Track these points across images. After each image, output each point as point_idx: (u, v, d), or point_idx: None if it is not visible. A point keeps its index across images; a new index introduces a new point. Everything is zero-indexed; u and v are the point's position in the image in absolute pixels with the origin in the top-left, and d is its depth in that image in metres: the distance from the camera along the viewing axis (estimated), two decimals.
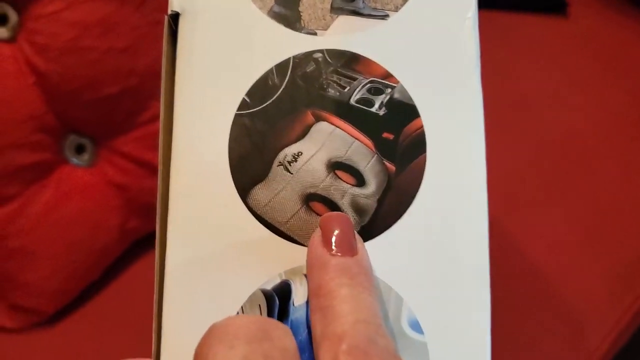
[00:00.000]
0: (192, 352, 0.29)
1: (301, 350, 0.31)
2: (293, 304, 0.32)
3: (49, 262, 0.75)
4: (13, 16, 0.68)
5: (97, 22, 0.69)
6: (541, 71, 0.89)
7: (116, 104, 0.73)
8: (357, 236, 0.32)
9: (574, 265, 0.77)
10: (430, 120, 0.33)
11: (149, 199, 0.78)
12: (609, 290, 0.75)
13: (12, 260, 0.74)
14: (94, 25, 0.69)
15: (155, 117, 0.75)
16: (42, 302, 0.76)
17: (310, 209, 0.33)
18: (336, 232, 0.31)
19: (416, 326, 0.32)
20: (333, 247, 0.31)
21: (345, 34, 0.34)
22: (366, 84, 0.34)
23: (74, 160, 0.76)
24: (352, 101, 0.34)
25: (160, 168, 0.34)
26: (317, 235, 0.31)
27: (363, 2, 0.34)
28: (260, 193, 0.33)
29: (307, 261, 0.31)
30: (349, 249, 0.31)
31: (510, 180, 0.81)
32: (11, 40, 0.69)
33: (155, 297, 0.33)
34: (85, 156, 0.76)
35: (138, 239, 0.81)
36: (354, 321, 0.28)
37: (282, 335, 0.27)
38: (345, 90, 0.34)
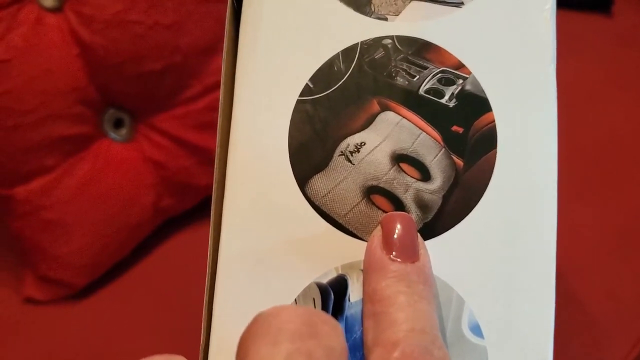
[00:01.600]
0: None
1: (354, 348, 0.30)
2: (349, 300, 0.31)
3: (82, 235, 0.75)
4: None
5: None
6: (582, 69, 0.87)
7: (158, 81, 0.73)
8: (420, 240, 0.31)
9: (602, 268, 0.75)
10: (503, 115, 0.32)
11: (184, 178, 0.77)
12: (638, 296, 0.73)
13: (45, 232, 0.74)
14: None
15: (197, 96, 0.75)
16: (72, 275, 0.76)
17: (371, 202, 0.32)
18: (398, 235, 0.30)
19: (477, 330, 0.31)
20: (393, 252, 0.29)
21: (417, 21, 0.33)
22: (437, 73, 0.32)
23: (112, 134, 0.76)
24: (422, 91, 0.32)
25: (217, 151, 0.33)
26: (377, 235, 0.30)
27: None
28: (319, 183, 0.32)
29: (365, 262, 0.30)
30: (410, 255, 0.29)
31: None
32: (57, 9, 0.68)
33: (207, 284, 0.32)
34: (123, 131, 0.76)
35: (171, 218, 0.81)
36: (409, 329, 0.27)
37: (329, 332, 0.26)
38: (415, 79, 0.32)
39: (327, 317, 0.26)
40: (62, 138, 0.71)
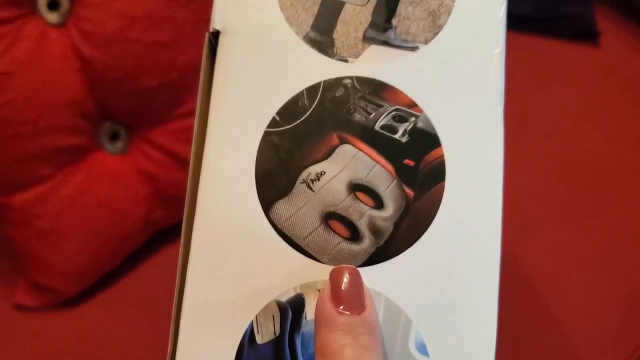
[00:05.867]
0: (206, 355, 0.31)
1: None
2: (306, 318, 0.34)
3: (74, 244, 0.76)
4: (65, 2, 0.70)
5: (144, 15, 0.71)
6: (568, 95, 0.90)
7: (154, 96, 0.75)
8: (367, 290, 0.33)
9: (588, 289, 0.77)
10: (451, 150, 0.34)
11: (176, 191, 0.79)
12: (623, 317, 0.75)
13: (38, 240, 0.76)
14: (141, 17, 0.70)
15: (191, 112, 0.76)
16: (63, 282, 0.77)
17: (329, 227, 0.34)
18: (345, 287, 0.32)
19: (423, 348, 0.33)
20: (341, 305, 0.32)
21: (375, 63, 0.35)
22: (391, 111, 0.35)
23: (108, 147, 0.78)
24: (377, 127, 0.35)
25: (189, 176, 0.35)
26: (326, 289, 0.32)
27: (394, 33, 0.36)
28: (282, 208, 0.35)
29: (315, 315, 0.32)
30: (356, 306, 0.32)
31: (529, 200, 0.81)
32: (61, 25, 0.70)
33: (175, 299, 0.35)
34: (119, 144, 0.78)
35: (161, 230, 0.82)
36: None
37: None
38: (371, 116, 0.35)
39: None
40: (59, 149, 0.73)
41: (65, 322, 0.78)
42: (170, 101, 0.76)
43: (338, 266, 0.33)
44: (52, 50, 0.70)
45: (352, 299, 0.32)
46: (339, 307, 0.31)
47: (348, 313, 0.31)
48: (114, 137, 0.78)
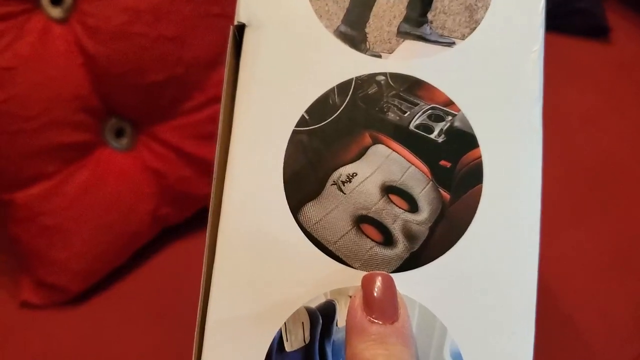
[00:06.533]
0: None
1: None
2: (336, 325, 0.32)
3: (79, 241, 0.76)
4: None
5: (149, 9, 0.69)
6: (579, 94, 0.89)
7: (160, 92, 0.74)
8: (400, 299, 0.31)
9: (598, 289, 0.76)
10: (489, 151, 0.33)
11: (183, 188, 0.78)
12: (634, 317, 0.74)
13: (43, 237, 0.75)
14: (146, 12, 0.69)
15: (198, 107, 0.76)
16: (68, 280, 0.77)
17: (360, 230, 0.33)
18: (377, 295, 0.31)
19: (458, 357, 0.32)
20: (373, 313, 0.30)
21: (410, 59, 0.34)
22: (427, 110, 0.34)
23: (113, 143, 0.76)
24: (412, 126, 0.34)
25: (214, 176, 0.34)
26: (358, 296, 0.31)
27: (430, 28, 0.34)
28: (311, 210, 0.33)
29: (347, 324, 0.31)
30: (389, 316, 0.30)
31: (542, 199, 0.80)
32: (64, 20, 0.69)
33: (200, 304, 0.33)
34: (125, 140, 0.77)
35: (168, 227, 0.81)
36: None
37: None
38: (406, 114, 0.34)
39: None
40: (63, 145, 0.72)
41: (71, 320, 0.77)
42: (176, 97, 0.75)
43: (370, 272, 0.32)
44: (56, 45, 0.69)
45: (385, 307, 0.31)
46: (371, 316, 0.30)
47: (380, 322, 0.30)
48: (119, 133, 0.77)
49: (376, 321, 0.30)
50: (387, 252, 0.33)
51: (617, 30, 0.94)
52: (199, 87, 0.75)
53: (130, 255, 0.79)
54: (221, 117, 0.34)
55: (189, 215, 0.81)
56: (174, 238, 0.82)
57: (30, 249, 0.76)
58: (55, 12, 0.69)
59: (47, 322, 0.77)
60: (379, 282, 0.31)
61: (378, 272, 0.32)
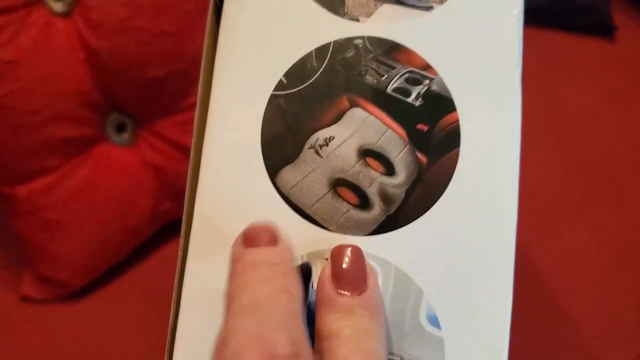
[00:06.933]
0: (208, 328, 0.30)
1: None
2: (312, 287, 0.32)
3: (80, 236, 0.76)
4: None
5: (150, 4, 0.70)
6: (582, 90, 0.88)
7: (161, 87, 0.74)
8: (370, 269, 0.31)
9: (600, 286, 0.76)
10: (467, 115, 0.33)
11: (183, 183, 0.78)
12: (635, 315, 0.74)
13: (44, 232, 0.75)
14: (148, 6, 0.70)
15: None
16: (69, 275, 0.77)
17: (337, 194, 0.33)
18: (346, 267, 0.31)
19: (434, 320, 0.32)
20: (341, 285, 0.30)
21: (388, 23, 0.34)
22: (404, 73, 0.34)
23: (114, 138, 0.77)
24: (389, 90, 0.33)
25: (193, 142, 0.34)
26: (327, 268, 0.31)
27: None
28: (289, 174, 0.33)
29: (316, 296, 0.31)
30: (357, 287, 0.30)
31: (541, 196, 0.80)
32: (66, 14, 0.70)
33: (178, 269, 0.33)
34: (126, 135, 0.77)
35: (169, 223, 0.82)
36: None
37: None
38: (383, 78, 0.34)
39: None
40: (65, 139, 0.72)
41: (71, 314, 0.77)
42: (178, 92, 0.75)
43: (339, 245, 0.32)
44: (58, 39, 0.70)
45: (353, 279, 0.30)
46: (339, 288, 0.30)
47: (348, 294, 0.30)
48: (121, 128, 0.77)
49: (344, 293, 0.30)
50: (364, 215, 0.33)
51: (622, 28, 0.94)
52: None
53: (130, 251, 0.79)
54: (201, 82, 0.34)
55: None
56: (175, 234, 0.81)
57: (31, 243, 0.76)
58: (58, 6, 0.69)
59: (47, 316, 0.77)
60: (347, 254, 0.31)
61: (347, 244, 0.32)
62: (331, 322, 0.29)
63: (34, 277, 0.77)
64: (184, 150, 0.77)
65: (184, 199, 0.76)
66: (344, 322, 0.29)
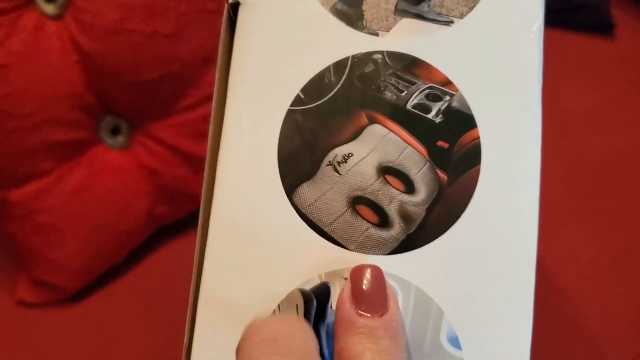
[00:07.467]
0: (224, 347, 0.30)
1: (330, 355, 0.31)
2: (331, 307, 0.32)
3: (75, 240, 0.75)
4: None
5: (143, 5, 0.69)
6: (582, 90, 0.88)
7: (156, 89, 0.73)
8: (390, 290, 0.31)
9: (602, 288, 0.75)
10: (488, 132, 0.32)
11: (179, 187, 0.78)
12: (634, 317, 0.74)
13: (39, 236, 0.74)
14: (141, 8, 0.69)
15: (194, 105, 0.75)
16: (65, 279, 0.76)
17: (356, 212, 0.32)
18: (366, 287, 0.30)
19: (455, 341, 0.31)
20: (361, 306, 0.30)
21: (408, 37, 0.33)
22: (424, 89, 0.33)
23: (109, 141, 0.76)
24: (409, 106, 0.33)
25: (207, 157, 0.33)
26: (346, 288, 0.30)
27: (428, 6, 0.34)
28: (306, 191, 0.33)
29: (335, 317, 0.30)
30: (378, 308, 0.30)
31: (544, 197, 0.80)
32: (58, 17, 0.69)
33: (192, 287, 0.33)
34: (120, 138, 0.76)
35: (164, 226, 0.81)
36: None
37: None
38: (403, 94, 0.33)
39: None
40: (58, 143, 0.71)
41: (67, 318, 0.77)
42: (172, 94, 0.75)
43: (359, 265, 0.31)
44: (50, 42, 0.69)
45: (374, 300, 0.30)
46: (359, 309, 0.30)
47: (369, 315, 0.29)
48: (115, 131, 0.76)
49: (364, 314, 0.29)
50: (383, 233, 0.32)
51: (621, 26, 0.94)
52: (195, 84, 0.74)
53: (126, 254, 0.79)
54: (215, 97, 0.34)
55: (184, 214, 0.80)
56: (170, 237, 0.81)
57: (25, 247, 0.75)
58: (49, 8, 0.68)
59: (43, 320, 0.77)
60: (367, 274, 0.30)
61: (367, 264, 0.31)
62: (352, 344, 0.29)
63: (30, 281, 0.77)
64: (179, 153, 0.76)
65: (178, 202, 0.76)
66: (365, 345, 0.29)
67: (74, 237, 0.75)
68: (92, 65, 0.70)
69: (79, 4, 0.68)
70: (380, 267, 0.31)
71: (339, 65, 0.33)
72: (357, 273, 0.31)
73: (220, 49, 0.34)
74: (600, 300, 0.75)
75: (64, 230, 0.74)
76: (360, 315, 0.29)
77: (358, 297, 0.30)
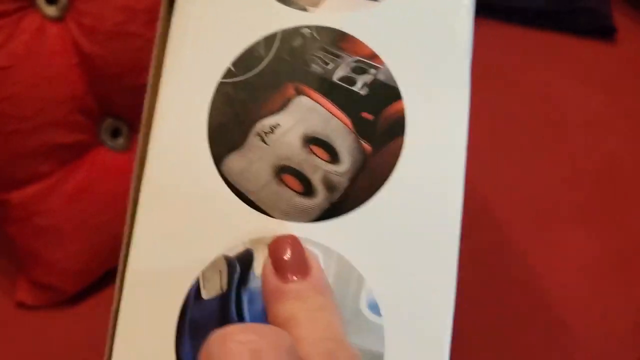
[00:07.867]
0: (151, 311, 0.31)
1: (254, 319, 0.31)
2: (254, 273, 0.32)
3: (75, 242, 0.76)
4: None
5: (144, 9, 0.70)
6: (583, 94, 0.88)
7: None
8: (308, 252, 0.32)
9: (601, 291, 0.75)
10: (412, 105, 0.33)
11: None
12: (634, 321, 0.73)
13: (38, 238, 0.75)
14: (142, 12, 0.70)
15: None
16: (64, 281, 0.77)
17: (282, 181, 0.33)
18: (285, 257, 0.31)
19: (375, 308, 0.32)
20: (285, 275, 0.30)
21: (336, 12, 0.34)
22: (350, 62, 0.34)
23: (109, 143, 0.77)
24: (335, 78, 0.34)
25: (142, 130, 0.34)
26: (268, 264, 0.31)
27: None
28: (234, 161, 0.33)
29: (263, 292, 0.31)
30: (302, 271, 0.31)
31: (544, 200, 0.80)
32: (59, 19, 0.70)
33: (122, 253, 0.33)
34: (120, 140, 0.78)
35: None
36: (311, 342, 0.28)
37: None
38: (329, 66, 0.34)
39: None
40: (59, 145, 0.72)
41: (67, 320, 0.77)
42: None
43: (275, 238, 0.32)
44: (51, 44, 0.70)
45: (296, 266, 0.31)
46: (283, 278, 0.30)
47: (295, 278, 0.30)
48: (115, 133, 0.77)
49: (290, 279, 0.30)
50: (307, 202, 0.33)
51: (623, 30, 0.93)
52: None
53: None
54: (152, 70, 0.35)
55: None
56: None
57: (25, 249, 0.76)
58: (51, 10, 0.69)
59: (42, 322, 0.77)
60: (284, 245, 0.31)
61: (283, 235, 0.32)
62: (285, 310, 0.29)
63: (29, 283, 0.77)
64: None
65: None
66: (297, 307, 0.29)
67: (74, 239, 0.76)
68: (93, 68, 0.71)
69: (80, 7, 0.70)
70: (298, 235, 0.32)
71: (269, 40, 0.34)
72: (275, 245, 0.31)
73: (160, 22, 0.35)
74: (602, 303, 0.74)
75: (64, 232, 0.75)
76: (286, 282, 0.30)
77: (280, 267, 0.31)
